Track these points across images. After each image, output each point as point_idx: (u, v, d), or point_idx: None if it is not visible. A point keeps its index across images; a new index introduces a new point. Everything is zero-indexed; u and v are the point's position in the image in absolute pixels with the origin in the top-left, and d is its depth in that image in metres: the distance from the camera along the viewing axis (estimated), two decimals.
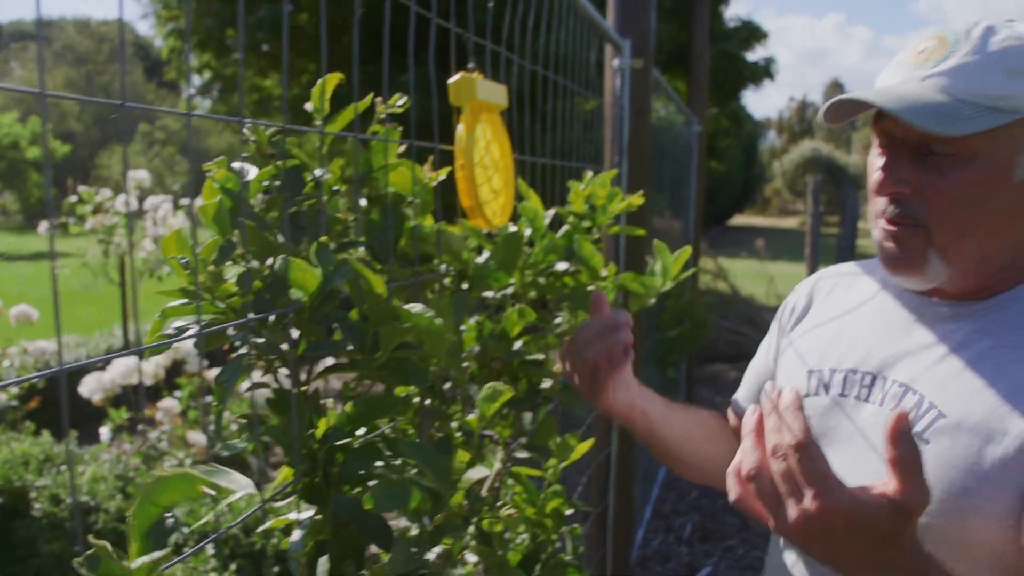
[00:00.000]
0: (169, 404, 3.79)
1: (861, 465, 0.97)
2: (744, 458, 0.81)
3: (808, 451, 0.75)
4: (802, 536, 0.76)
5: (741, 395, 1.32)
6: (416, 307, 0.78)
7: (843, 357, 1.07)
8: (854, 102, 0.95)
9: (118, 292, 6.87)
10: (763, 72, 12.59)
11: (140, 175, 6.50)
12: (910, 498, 0.73)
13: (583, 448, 1.29)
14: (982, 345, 0.94)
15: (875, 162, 0.98)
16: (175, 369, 4.42)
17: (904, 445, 0.73)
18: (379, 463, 0.80)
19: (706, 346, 7.00)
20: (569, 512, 1.33)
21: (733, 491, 0.83)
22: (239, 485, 0.41)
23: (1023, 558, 0.87)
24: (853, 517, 0.73)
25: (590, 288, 1.25)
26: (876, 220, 0.99)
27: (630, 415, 1.20)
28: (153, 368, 3.89)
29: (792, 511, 0.75)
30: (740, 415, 1.30)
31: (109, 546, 0.46)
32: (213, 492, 0.42)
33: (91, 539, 0.49)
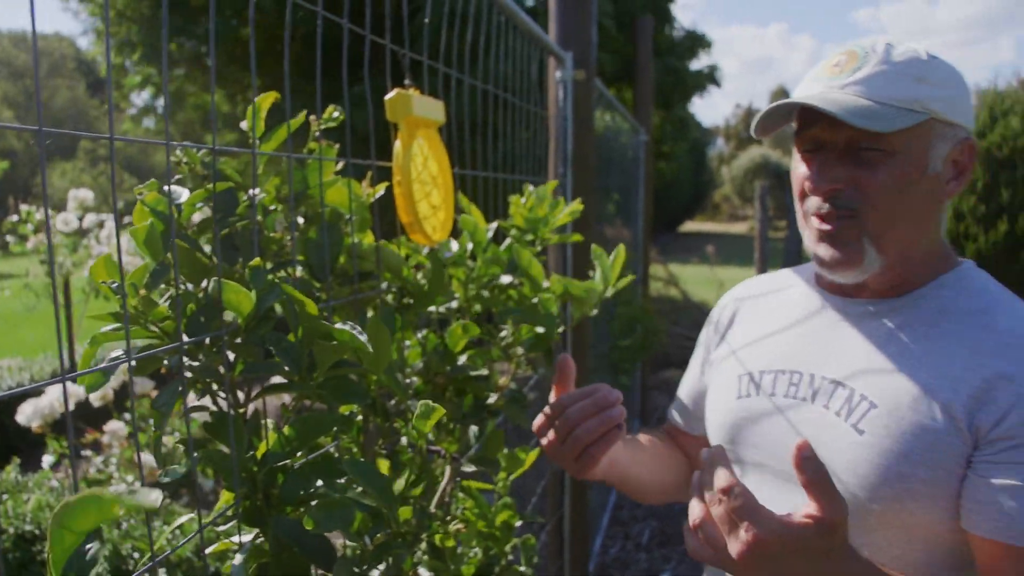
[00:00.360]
0: (116, 427, 3.71)
1: (788, 458, 0.99)
2: (690, 512, 0.89)
3: (735, 492, 0.84)
4: (747, 567, 0.83)
5: (675, 410, 1.41)
6: (345, 326, 0.78)
7: (773, 359, 1.15)
8: (784, 111, 1.05)
9: (63, 313, 6.71)
10: (707, 79, 12.82)
11: (83, 194, 6.36)
12: (831, 514, 0.81)
13: (530, 459, 1.30)
14: (904, 338, 1.03)
15: (802, 169, 1.07)
16: (123, 391, 4.32)
17: (811, 467, 0.82)
18: (320, 483, 0.79)
19: (658, 352, 7.07)
20: (522, 524, 1.33)
21: (690, 544, 0.90)
22: (154, 500, 0.41)
23: (963, 540, 0.96)
24: (786, 541, 0.81)
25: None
26: (808, 222, 1.07)
27: (607, 474, 1.22)
28: (100, 391, 3.80)
29: (733, 546, 0.83)
30: (674, 430, 1.42)
31: None
32: (122, 512, 0.41)
33: None
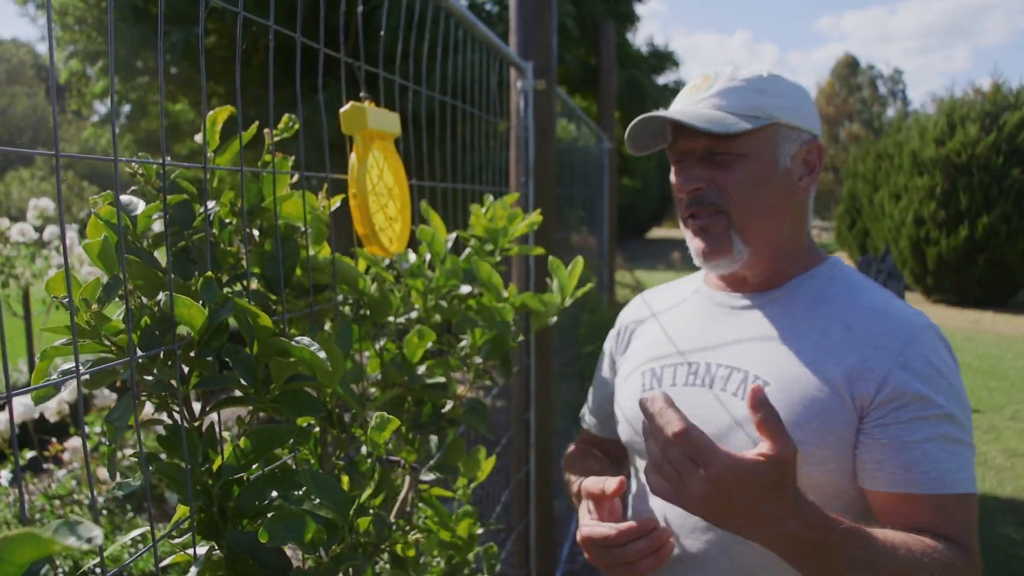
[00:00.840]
0: (76, 443, 3.65)
1: (717, 432, 1.14)
2: (648, 454, 0.99)
3: (691, 434, 0.93)
4: (705, 504, 0.93)
5: (590, 417, 1.52)
6: (302, 341, 0.78)
7: (671, 354, 1.27)
8: (657, 129, 1.22)
9: (22, 326, 6.59)
10: (672, 94, 12.95)
11: (44, 203, 6.25)
12: (783, 450, 0.92)
13: (489, 465, 1.31)
14: (786, 322, 1.18)
15: (673, 177, 1.22)
16: (85, 404, 4.25)
17: (764, 409, 0.93)
18: (275, 494, 0.79)
19: None
20: (484, 532, 1.34)
21: (651, 483, 0.99)
22: (94, 540, 0.41)
23: (855, 498, 1.10)
24: (742, 475, 0.91)
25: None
26: (686, 223, 1.22)
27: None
28: (56, 405, 3.74)
29: (693, 485, 0.92)
30: (590, 436, 1.53)
31: None
32: (59, 551, 0.41)
33: None
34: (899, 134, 15.55)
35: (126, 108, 11.36)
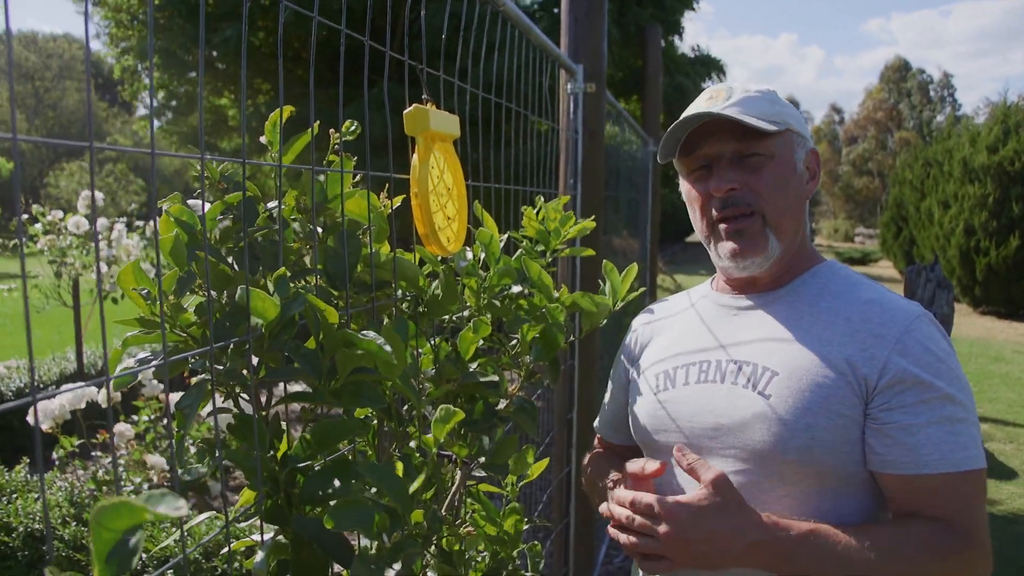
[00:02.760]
0: (123, 428, 3.74)
1: (706, 434, 1.24)
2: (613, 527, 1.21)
3: (640, 503, 1.13)
4: (676, 546, 1.10)
5: (603, 425, 1.58)
6: (368, 334, 0.81)
7: (682, 355, 1.34)
8: (679, 133, 1.26)
9: (70, 314, 6.75)
10: None
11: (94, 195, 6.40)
12: (713, 475, 1.12)
13: (540, 467, 1.32)
14: (792, 317, 1.25)
15: (698, 186, 1.28)
16: (130, 393, 4.36)
17: (687, 458, 1.17)
18: (338, 484, 0.82)
19: None
20: (529, 528, 1.36)
21: (622, 542, 1.18)
22: (179, 510, 0.43)
23: (867, 483, 1.18)
24: (694, 509, 1.10)
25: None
26: (714, 229, 1.27)
27: None
28: (108, 393, 3.83)
29: (661, 534, 1.11)
30: (607, 442, 1.58)
31: (64, 574, 0.48)
32: (150, 519, 0.44)
33: (50, 570, 0.51)
34: (949, 140, 15.28)
35: (173, 103, 11.56)
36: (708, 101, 1.27)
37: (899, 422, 1.12)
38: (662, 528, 1.10)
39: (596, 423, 1.61)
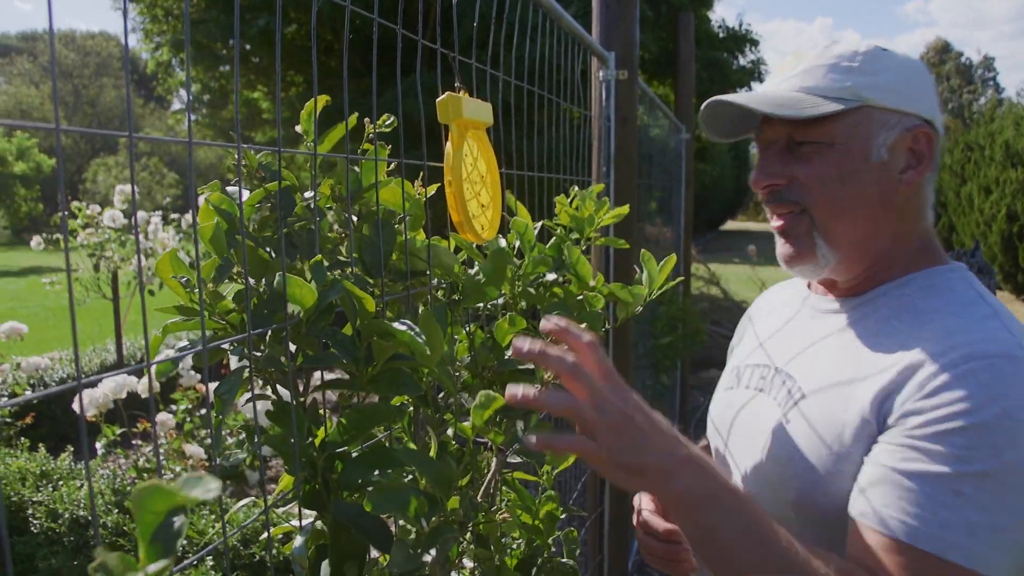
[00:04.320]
0: (164, 418, 3.81)
1: (742, 446, 1.13)
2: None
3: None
4: (609, 435, 0.79)
5: None
6: (402, 324, 0.81)
7: (756, 354, 1.22)
8: (734, 112, 1.09)
9: (110, 306, 6.87)
10: (750, 75, 12.66)
11: (126, 189, 6.51)
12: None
13: (574, 455, 1.32)
14: (851, 335, 1.05)
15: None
16: (168, 384, 4.43)
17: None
18: (376, 470, 0.83)
19: (700, 351, 7.05)
20: (565, 517, 1.36)
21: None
22: (211, 492, 0.44)
23: (840, 523, 0.93)
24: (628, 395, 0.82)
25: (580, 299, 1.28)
26: (772, 227, 1.10)
27: None
28: (148, 382, 3.90)
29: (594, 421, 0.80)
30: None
31: (118, 556, 0.49)
32: (185, 503, 0.44)
33: (100, 550, 0.51)
34: (991, 124, 14.98)
35: (207, 98, 11.69)
36: (778, 70, 1.08)
37: (877, 460, 0.90)
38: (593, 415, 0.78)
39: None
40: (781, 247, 1.09)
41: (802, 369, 1.08)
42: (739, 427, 1.15)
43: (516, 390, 0.78)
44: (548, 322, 0.85)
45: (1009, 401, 0.84)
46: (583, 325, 1.26)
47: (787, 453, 1.01)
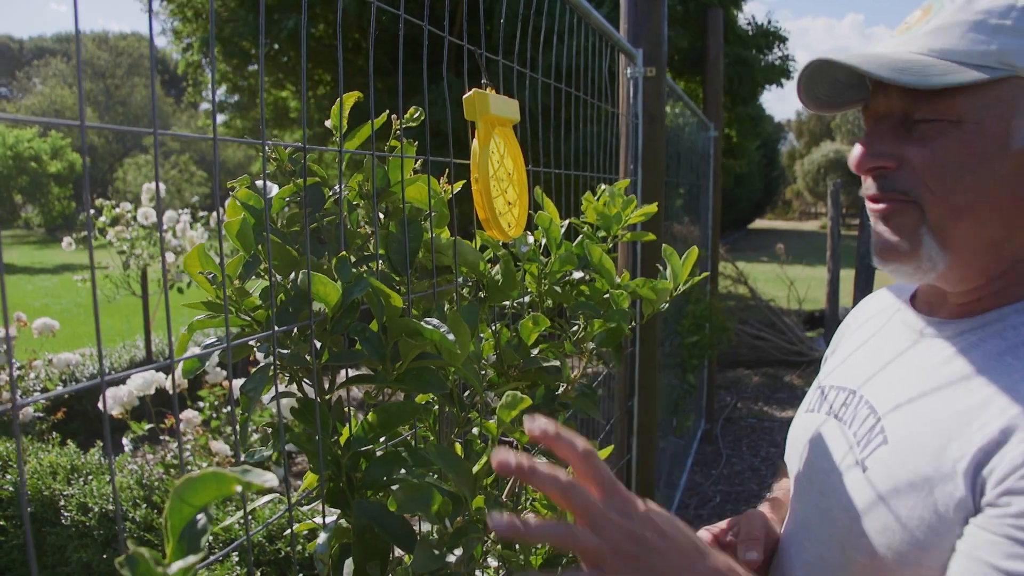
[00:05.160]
0: (190, 415, 3.84)
1: (829, 479, 0.93)
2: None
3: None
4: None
5: None
6: (431, 322, 0.80)
7: (843, 375, 1.03)
8: (838, 74, 0.89)
9: (139, 304, 6.96)
10: (780, 72, 12.51)
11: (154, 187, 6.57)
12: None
13: (603, 454, 1.31)
14: (954, 369, 0.84)
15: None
16: (195, 381, 4.47)
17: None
18: (401, 469, 0.82)
19: (727, 351, 7.00)
20: None
21: None
22: (268, 481, 0.44)
23: None
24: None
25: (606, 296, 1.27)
26: (869, 209, 0.89)
27: None
28: (177, 378, 3.94)
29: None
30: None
31: (147, 551, 0.49)
32: (242, 489, 0.44)
33: (130, 543, 0.51)
34: None
35: (236, 98, 11.79)
36: (901, 28, 0.86)
37: (976, 551, 0.72)
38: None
39: None
40: (878, 235, 0.88)
41: (890, 405, 0.88)
42: (817, 458, 0.97)
43: (506, 457, 0.67)
44: (534, 426, 0.71)
45: None
46: (610, 323, 1.25)
47: (863, 509, 0.84)
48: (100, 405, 3.68)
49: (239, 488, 0.43)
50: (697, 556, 0.70)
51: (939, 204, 0.81)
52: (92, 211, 6.47)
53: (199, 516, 0.50)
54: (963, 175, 0.80)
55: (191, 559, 0.49)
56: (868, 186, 0.88)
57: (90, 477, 3.24)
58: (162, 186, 6.63)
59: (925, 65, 0.78)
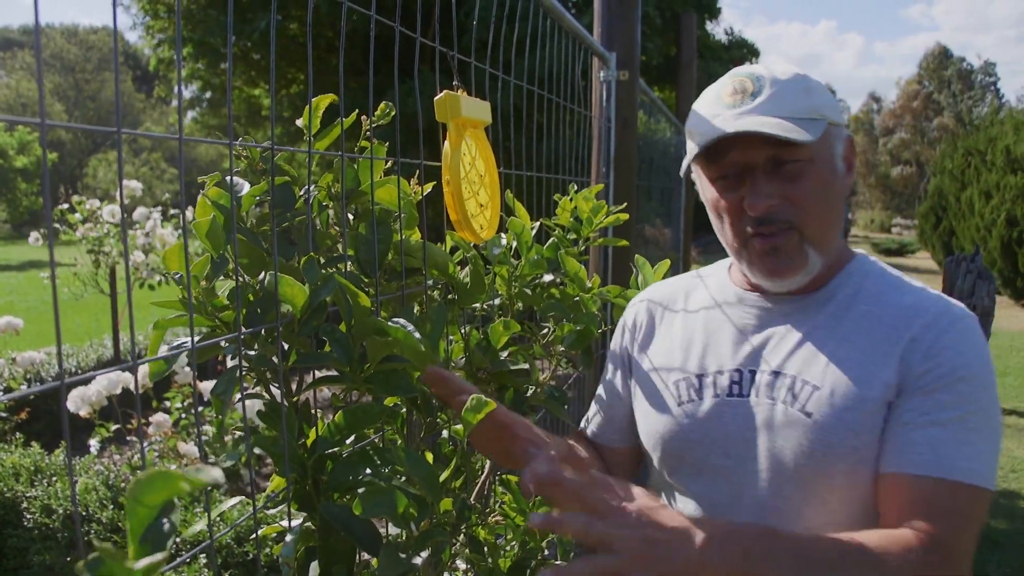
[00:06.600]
0: (161, 418, 3.80)
1: (740, 453, 1.11)
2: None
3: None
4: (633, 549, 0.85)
5: (595, 425, 1.36)
6: (399, 322, 0.80)
7: (706, 362, 1.19)
8: (702, 143, 1.09)
9: (108, 302, 6.86)
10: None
11: (130, 185, 6.49)
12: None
13: None
14: (829, 324, 1.12)
15: (728, 195, 1.11)
16: (163, 382, 4.42)
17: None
18: (367, 471, 0.82)
19: None
20: None
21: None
22: (215, 478, 0.43)
23: (877, 485, 1.03)
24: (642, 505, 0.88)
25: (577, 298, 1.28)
26: (748, 244, 1.11)
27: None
28: (142, 379, 3.89)
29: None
30: (593, 441, 1.36)
31: (110, 548, 0.48)
32: (190, 487, 0.43)
33: (95, 542, 0.50)
34: (991, 129, 14.99)
35: (208, 95, 11.68)
36: (732, 97, 1.10)
37: (902, 419, 1.02)
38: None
39: (585, 419, 1.39)
40: (768, 264, 1.11)
41: (795, 364, 1.10)
42: (743, 434, 1.11)
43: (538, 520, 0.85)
44: (531, 479, 0.86)
45: (984, 348, 1.06)
46: (579, 326, 1.26)
47: (824, 444, 1.04)
48: (69, 405, 3.63)
49: (186, 485, 0.42)
50: (688, 530, 0.87)
51: (814, 224, 1.08)
52: (65, 206, 6.39)
53: (163, 519, 0.49)
54: (823, 198, 1.08)
55: (156, 557, 0.48)
56: (757, 224, 1.09)
57: (54, 479, 3.19)
58: (137, 184, 6.55)
59: (796, 126, 1.04)
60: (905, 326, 1.07)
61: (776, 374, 1.11)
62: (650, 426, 1.22)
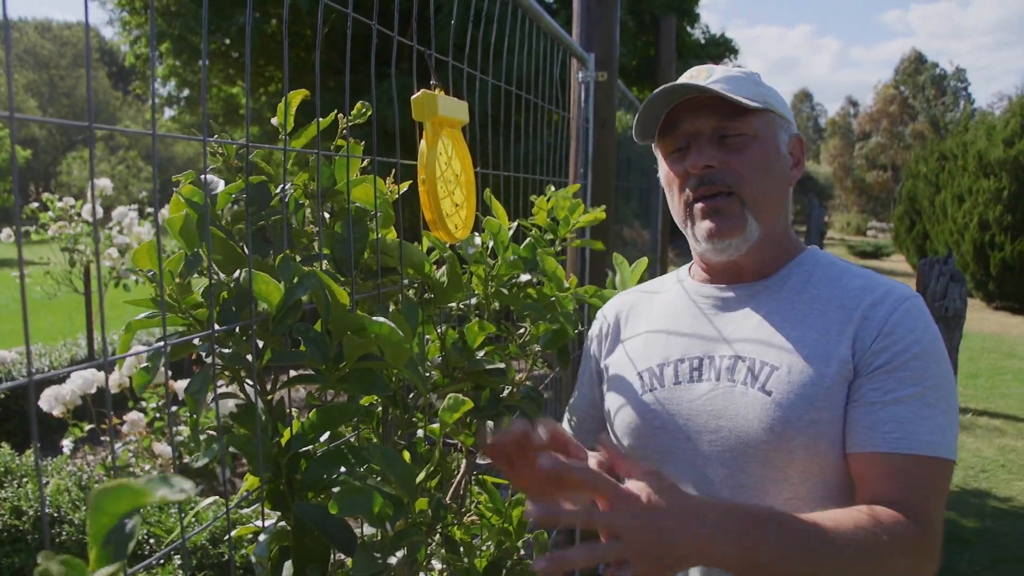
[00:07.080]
0: (136, 417, 3.75)
1: (705, 435, 1.16)
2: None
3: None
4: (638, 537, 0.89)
5: (569, 427, 1.42)
6: (378, 318, 0.80)
7: (669, 352, 1.25)
8: (658, 111, 1.21)
9: (82, 301, 6.78)
10: None
11: (103, 183, 6.43)
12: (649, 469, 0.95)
13: None
14: (783, 308, 1.19)
15: (676, 166, 1.21)
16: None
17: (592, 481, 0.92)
18: (342, 469, 0.82)
19: None
20: None
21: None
22: (185, 492, 0.43)
23: (843, 463, 1.10)
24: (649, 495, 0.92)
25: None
26: (691, 210, 1.20)
27: None
28: (118, 378, 3.85)
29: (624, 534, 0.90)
30: (577, 421, 1.42)
31: (58, 557, 0.47)
32: (152, 502, 0.43)
33: (42, 553, 0.50)
34: (965, 134, 15.17)
35: (186, 92, 11.58)
36: (691, 77, 1.21)
37: (866, 399, 1.08)
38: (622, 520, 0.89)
39: (571, 421, 1.43)
40: (708, 225, 1.18)
41: (753, 348, 1.17)
42: (703, 417, 1.17)
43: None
44: (544, 463, 0.90)
45: (932, 324, 1.13)
46: (555, 328, 1.26)
47: (784, 421, 1.09)
48: (41, 404, 3.58)
49: (152, 499, 0.42)
50: (694, 510, 0.92)
51: (753, 191, 1.16)
52: (36, 204, 6.30)
53: (127, 521, 0.49)
54: (765, 170, 1.17)
55: (115, 566, 0.48)
56: (696, 185, 1.17)
57: (25, 480, 3.15)
58: (107, 182, 6.48)
59: (739, 98, 1.14)
60: (855, 305, 1.14)
61: (736, 358, 1.17)
62: (618, 418, 1.27)
